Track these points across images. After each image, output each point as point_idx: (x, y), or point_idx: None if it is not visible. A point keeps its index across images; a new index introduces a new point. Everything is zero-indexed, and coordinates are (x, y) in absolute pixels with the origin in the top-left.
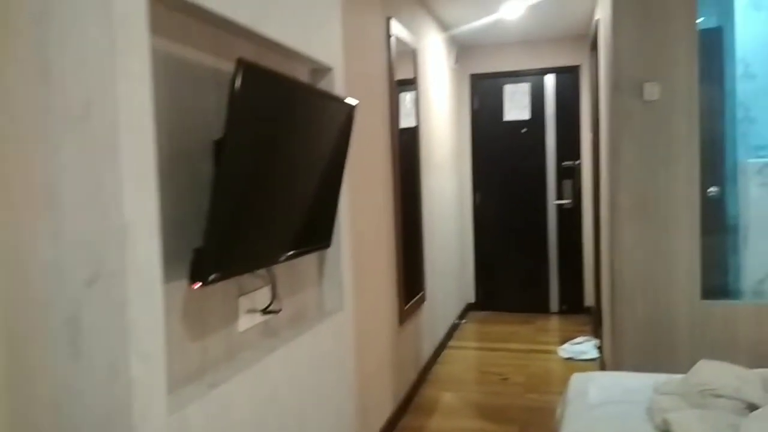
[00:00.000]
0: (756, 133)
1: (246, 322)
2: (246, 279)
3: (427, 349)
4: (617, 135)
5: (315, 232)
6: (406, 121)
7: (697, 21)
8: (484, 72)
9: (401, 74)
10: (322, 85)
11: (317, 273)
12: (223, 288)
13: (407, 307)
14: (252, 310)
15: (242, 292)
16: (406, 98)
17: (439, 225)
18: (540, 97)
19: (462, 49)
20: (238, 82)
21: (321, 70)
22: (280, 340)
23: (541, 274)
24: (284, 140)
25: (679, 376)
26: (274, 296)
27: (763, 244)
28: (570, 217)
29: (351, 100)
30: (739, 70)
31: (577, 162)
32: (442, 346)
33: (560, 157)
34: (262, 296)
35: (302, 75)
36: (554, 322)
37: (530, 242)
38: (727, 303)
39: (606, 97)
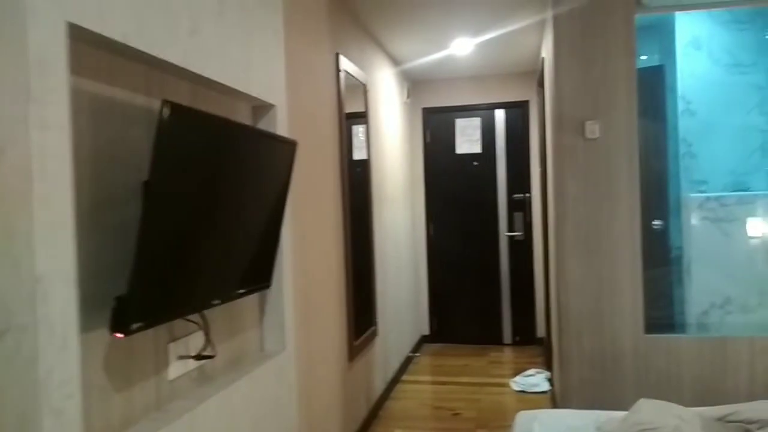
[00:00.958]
0: (697, 168)
1: (177, 369)
2: (178, 324)
3: (379, 385)
4: (561, 171)
5: (253, 273)
6: (358, 154)
7: (642, 58)
8: (436, 106)
9: (352, 108)
10: (264, 121)
11: (258, 314)
12: (153, 335)
13: (357, 342)
14: (184, 357)
15: (173, 338)
16: (359, 132)
17: (393, 257)
18: (491, 131)
19: (414, 83)
20: (163, 124)
21: (263, 107)
22: (214, 386)
23: (494, 305)
24: (216, 181)
25: (620, 414)
26: (208, 341)
27: (705, 276)
28: (521, 249)
29: (291, 138)
30: (681, 106)
31: (527, 195)
32: (395, 381)
33: (511, 189)
34: (195, 341)
35: (243, 112)
36: (507, 354)
37: (483, 273)
38: (671, 336)
39: (551, 133)
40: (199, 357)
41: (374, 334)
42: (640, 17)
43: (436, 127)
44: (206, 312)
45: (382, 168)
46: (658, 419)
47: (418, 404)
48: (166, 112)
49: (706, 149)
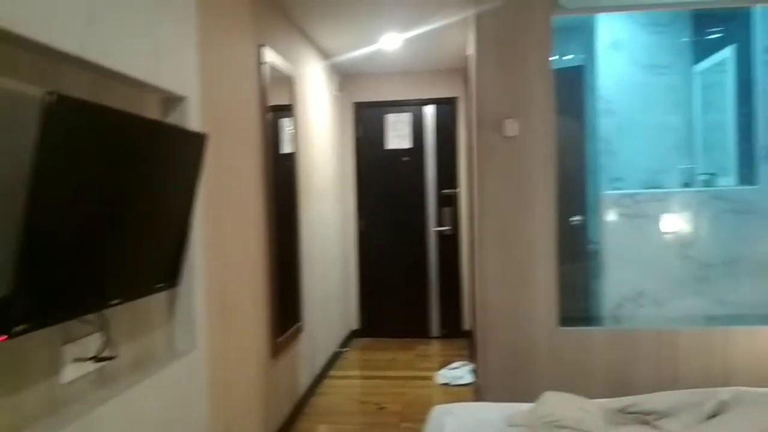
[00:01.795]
0: (616, 166)
1: (72, 372)
2: (76, 325)
3: (305, 381)
4: (482, 168)
5: (159, 270)
6: (285, 148)
7: (566, 58)
8: (367, 100)
9: (279, 101)
10: (175, 114)
11: (167, 312)
12: (44, 336)
13: (281, 339)
14: (80, 359)
15: (69, 339)
16: (287, 125)
17: (321, 252)
18: (420, 127)
19: (345, 77)
20: (47, 115)
21: (173, 100)
22: (115, 389)
23: (423, 299)
24: (111, 175)
25: (529, 407)
26: (108, 342)
27: (619, 271)
28: (449, 244)
29: (200, 131)
30: (601, 106)
31: (455, 190)
32: (321, 377)
33: (440, 185)
34: (95, 342)
35: (152, 105)
36: (435, 347)
37: (412, 268)
38: (583, 329)
39: (473, 130)
40: (98, 359)
41: (300, 330)
42: (561, 18)
43: (367, 122)
44: (108, 311)
45: (310, 162)
46: (562, 411)
47: (344, 399)
48: (51, 102)
49: (624, 147)
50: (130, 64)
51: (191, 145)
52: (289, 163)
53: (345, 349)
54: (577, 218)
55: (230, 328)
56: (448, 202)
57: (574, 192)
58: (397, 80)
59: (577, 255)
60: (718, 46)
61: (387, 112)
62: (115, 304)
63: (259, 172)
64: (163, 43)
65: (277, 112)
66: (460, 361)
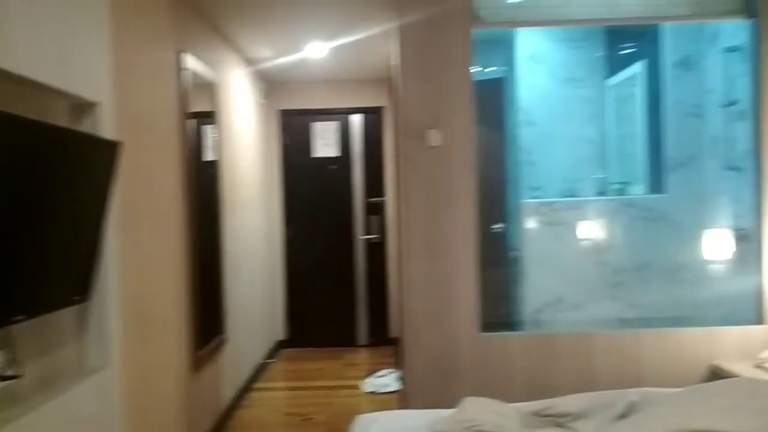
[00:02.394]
0: (535, 175)
1: None
2: None
3: (229, 394)
4: (406, 177)
5: (68, 285)
6: (208, 155)
7: (488, 70)
8: (293, 108)
9: (201, 108)
10: (87, 121)
11: (78, 328)
12: None
13: (202, 352)
14: None
15: None
16: (209, 132)
17: (246, 262)
18: (347, 136)
19: (270, 85)
20: None
21: (84, 106)
22: (20, 409)
23: (350, 307)
24: (12, 185)
25: (451, 413)
26: (13, 359)
27: (539, 277)
28: (377, 252)
29: (113, 139)
30: (521, 117)
31: (382, 198)
32: (246, 389)
33: (367, 193)
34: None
35: (61, 111)
36: (362, 355)
37: (340, 276)
38: (503, 335)
39: (398, 140)
40: (1, 377)
41: (223, 342)
42: (482, 31)
43: (293, 130)
44: (14, 328)
45: (234, 170)
46: (481, 416)
47: (269, 411)
48: None
49: (543, 157)
50: (34, 67)
51: (103, 153)
52: (213, 171)
53: (271, 360)
54: (498, 226)
55: (148, 342)
56: (375, 210)
57: (496, 200)
58: (324, 89)
59: (499, 262)
60: (629, 61)
61: (314, 121)
62: (18, 321)
63: (180, 181)
64: (72, 47)
65: (200, 119)
66: (387, 368)
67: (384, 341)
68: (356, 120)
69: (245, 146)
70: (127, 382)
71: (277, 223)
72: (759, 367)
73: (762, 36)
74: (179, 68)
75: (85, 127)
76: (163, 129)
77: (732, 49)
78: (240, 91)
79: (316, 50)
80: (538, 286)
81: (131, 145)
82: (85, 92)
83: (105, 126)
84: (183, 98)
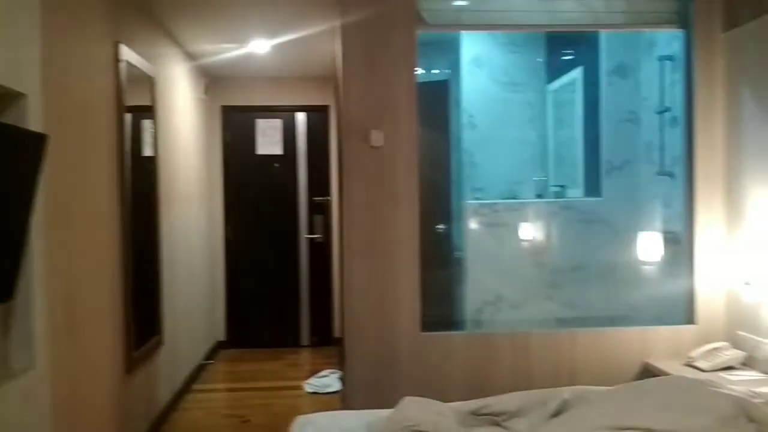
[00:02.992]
0: (477, 177)
1: None
2: None
3: (165, 397)
4: (348, 177)
5: None
6: (146, 151)
7: (434, 72)
8: (236, 104)
9: (139, 102)
10: (12, 113)
11: (1, 328)
12: None
13: (137, 353)
14: None
15: None
16: (147, 127)
17: (184, 261)
18: (292, 134)
19: (213, 80)
20: None
21: (8, 97)
22: None
23: (293, 307)
24: None
25: (389, 413)
26: None
27: (480, 276)
28: (321, 251)
29: (41, 131)
30: (464, 119)
31: (327, 198)
32: (184, 391)
33: (312, 192)
34: None
35: None
36: (304, 356)
37: (282, 276)
38: (443, 334)
39: (341, 139)
40: None
41: (159, 343)
42: (427, 34)
43: (236, 127)
44: None
45: (173, 166)
46: (419, 416)
47: (206, 414)
48: None
49: (485, 159)
50: None
51: (28, 146)
52: (150, 166)
53: (210, 362)
54: (442, 226)
55: (78, 344)
56: (319, 209)
57: (440, 201)
58: (268, 85)
59: (442, 261)
60: (569, 67)
61: (257, 117)
62: None
63: (115, 176)
64: None
65: (137, 113)
66: (329, 369)
67: (327, 341)
68: (301, 118)
69: (185, 142)
70: (56, 385)
71: (218, 222)
72: (689, 365)
73: (693, 45)
74: (116, 60)
75: (9, 118)
76: (98, 123)
77: (666, 58)
78: (180, 86)
79: (260, 46)
80: (479, 286)
81: (62, 139)
82: (9, 82)
83: (32, 118)
84: (119, 91)
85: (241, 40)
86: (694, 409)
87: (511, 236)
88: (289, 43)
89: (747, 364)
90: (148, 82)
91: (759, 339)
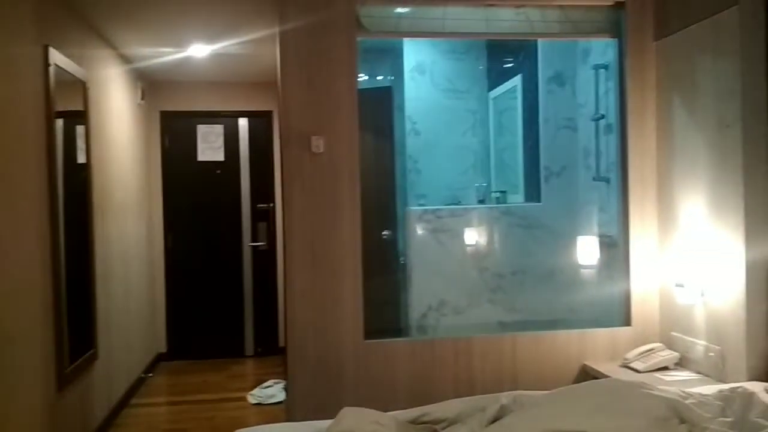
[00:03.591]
0: (421, 183)
1: None
2: None
3: (101, 413)
4: (289, 183)
5: None
6: (79, 158)
7: (379, 78)
8: (175, 110)
9: (70, 107)
10: None
11: None
12: None
13: (70, 369)
14: None
15: None
16: (79, 133)
17: (121, 272)
18: (234, 140)
19: (151, 84)
20: None
21: None
22: None
23: (237, 317)
24: None
25: (327, 425)
26: None
27: (424, 282)
28: (265, 259)
29: None
30: (408, 126)
31: (270, 205)
32: (121, 406)
33: (255, 199)
34: None
35: None
36: (249, 366)
37: (226, 285)
38: (387, 341)
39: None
40: None
41: (94, 358)
42: (371, 40)
43: (176, 132)
44: None
45: (109, 174)
46: (358, 426)
47: (145, 429)
48: None
49: (429, 166)
50: None
51: None
52: (84, 174)
53: (150, 375)
54: (387, 232)
55: (4, 362)
56: (263, 216)
57: (385, 207)
58: (210, 90)
59: (387, 268)
60: (510, 74)
61: (198, 123)
62: None
63: (43, 185)
64: None
65: (69, 118)
66: (274, 379)
67: (273, 351)
68: (244, 123)
69: (121, 148)
70: None
71: (158, 230)
72: (625, 366)
73: (626, 54)
74: (45, 64)
75: None
76: (24, 129)
77: (600, 67)
78: (115, 90)
79: (199, 51)
80: (423, 292)
81: None
82: None
83: None
84: (48, 96)
85: (180, 44)
86: (628, 412)
87: (454, 242)
88: (230, 47)
89: (680, 364)
90: (80, 87)
91: (692, 340)
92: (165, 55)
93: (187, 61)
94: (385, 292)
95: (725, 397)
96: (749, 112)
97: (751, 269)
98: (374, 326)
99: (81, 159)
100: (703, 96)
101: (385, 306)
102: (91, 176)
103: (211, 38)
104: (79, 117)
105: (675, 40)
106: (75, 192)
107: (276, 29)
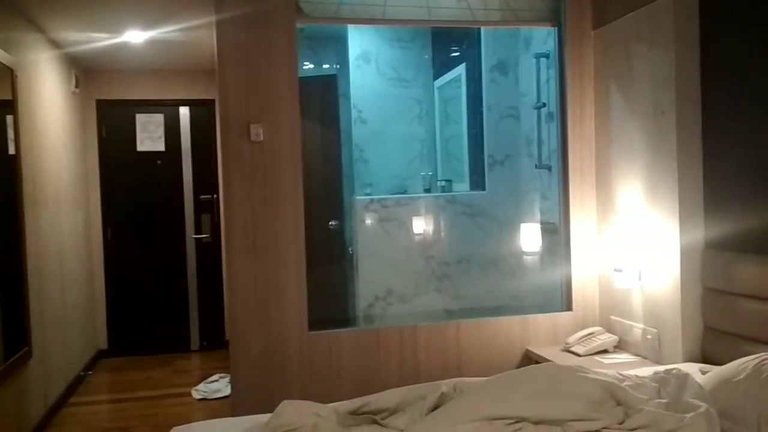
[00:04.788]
0: (368, 172)
1: None
2: None
3: (36, 413)
4: (228, 173)
5: None
6: (7, 149)
7: (326, 66)
8: (113, 98)
9: None
10: None
11: None
12: None
13: (1, 368)
14: None
15: None
16: (7, 123)
17: (56, 266)
18: (175, 129)
19: (86, 72)
20: None
21: None
22: None
23: (181, 310)
24: None
25: (266, 418)
26: None
27: (371, 271)
28: (209, 251)
29: None
30: (354, 115)
31: (214, 196)
32: (59, 406)
33: (198, 190)
34: None
35: None
36: (195, 361)
37: (169, 278)
38: (332, 332)
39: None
40: None
41: (28, 356)
42: (317, 27)
43: (113, 122)
44: None
45: (40, 165)
46: (298, 419)
47: (83, 429)
48: None
49: (375, 155)
50: None
51: None
52: (13, 166)
53: (89, 372)
54: (334, 222)
55: None
56: (207, 208)
57: (332, 197)
58: (149, 78)
59: (334, 258)
60: (454, 63)
61: (137, 112)
62: None
63: None
64: None
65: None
66: (220, 373)
67: (219, 344)
68: (185, 112)
69: (54, 139)
70: None
71: (96, 223)
72: (566, 350)
73: (565, 42)
74: None
75: None
76: None
77: (541, 55)
78: (47, 78)
79: (135, 37)
80: (370, 281)
81: None
82: None
83: None
84: None
85: (114, 30)
86: (565, 396)
87: (401, 231)
88: (168, 34)
89: (619, 347)
90: (7, 74)
91: (630, 323)
92: (99, 41)
93: (123, 47)
94: (332, 282)
95: (661, 379)
96: (683, 99)
97: (685, 253)
98: (321, 317)
99: (11, 150)
100: (640, 84)
101: (332, 296)
102: (21, 168)
103: (147, 24)
104: (6, 106)
105: (612, 29)
106: (3, 184)
107: (211, 18)
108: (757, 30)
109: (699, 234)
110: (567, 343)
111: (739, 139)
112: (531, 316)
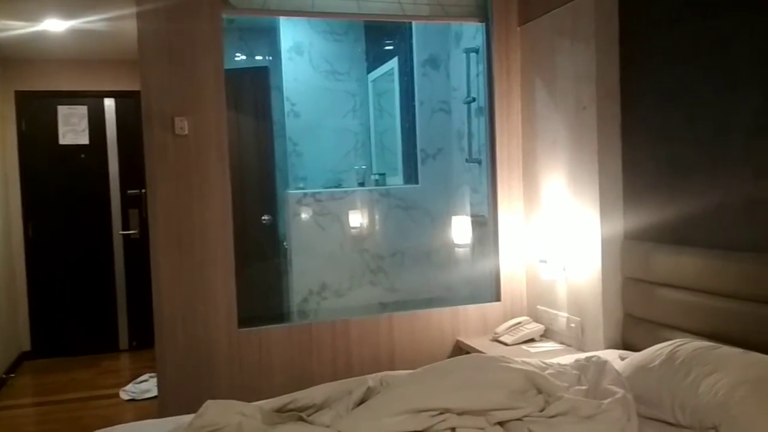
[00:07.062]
0: (302, 166)
1: None
2: None
3: None
4: (152, 167)
5: None
6: None
7: (258, 59)
8: (33, 90)
9: None
10: None
11: None
12: None
13: None
14: None
15: None
16: None
17: None
18: (100, 122)
19: (3, 62)
20: None
21: None
22: None
23: (109, 309)
24: None
25: (189, 418)
26: None
27: (305, 266)
28: (138, 248)
29: None
30: (287, 108)
31: (142, 190)
32: None
33: (125, 185)
34: None
35: None
36: (123, 361)
37: (95, 276)
38: (262, 328)
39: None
40: None
41: None
42: (247, 19)
43: (33, 115)
44: None
45: None
46: (223, 419)
47: None
48: None
49: (309, 148)
50: None
51: None
52: None
53: (11, 375)
54: (267, 217)
55: None
56: (135, 203)
57: (265, 191)
58: (72, 68)
59: (267, 253)
60: (388, 56)
61: (59, 104)
62: None
63: None
64: None
65: None
66: (149, 372)
67: (149, 344)
68: (110, 104)
69: None
70: None
71: (16, 220)
72: (495, 340)
73: (493, 38)
74: None
75: None
76: None
77: (471, 50)
78: None
79: (54, 26)
80: (303, 276)
81: None
82: None
83: None
84: None
85: (32, 17)
86: (488, 386)
87: (335, 225)
88: (90, 23)
89: (546, 336)
90: None
91: (555, 312)
92: (15, 29)
93: (43, 36)
94: (265, 277)
95: (581, 366)
96: (603, 94)
97: (606, 244)
98: (253, 313)
99: None
100: (563, 79)
101: (265, 292)
102: None
103: (67, 13)
104: None
105: (538, 25)
106: None
107: (132, 9)
108: (672, 29)
109: (619, 225)
110: (496, 333)
111: (656, 134)
112: (461, 307)
